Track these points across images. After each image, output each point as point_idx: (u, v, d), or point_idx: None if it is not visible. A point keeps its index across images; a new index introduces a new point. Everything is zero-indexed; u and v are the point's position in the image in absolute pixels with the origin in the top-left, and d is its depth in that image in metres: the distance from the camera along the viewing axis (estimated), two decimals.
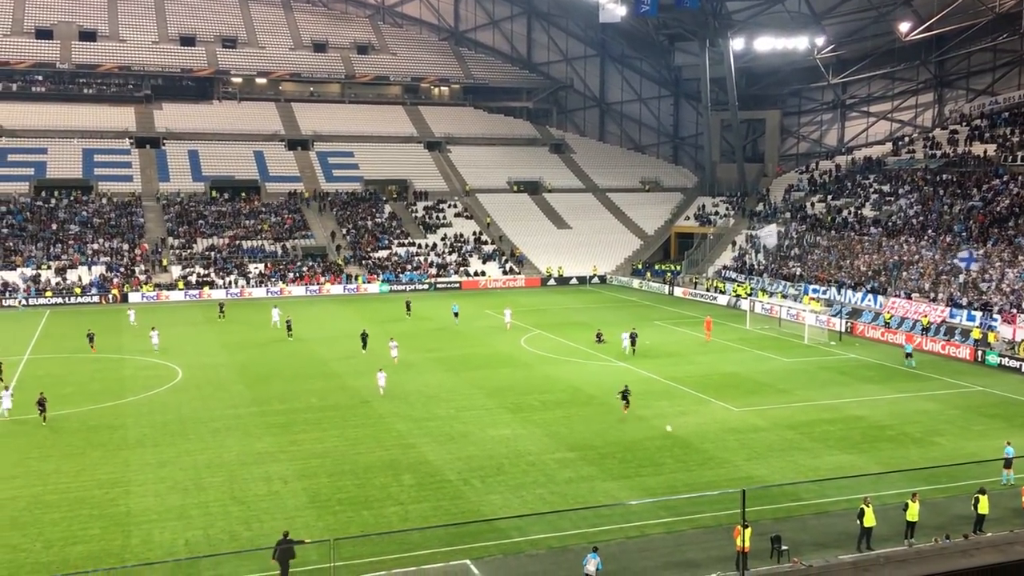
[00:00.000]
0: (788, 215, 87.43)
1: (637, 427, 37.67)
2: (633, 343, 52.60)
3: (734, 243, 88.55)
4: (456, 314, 64.21)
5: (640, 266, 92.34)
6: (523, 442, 35.46)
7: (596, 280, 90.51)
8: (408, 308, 67.73)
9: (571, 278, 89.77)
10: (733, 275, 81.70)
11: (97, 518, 27.76)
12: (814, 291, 70.12)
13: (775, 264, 79.12)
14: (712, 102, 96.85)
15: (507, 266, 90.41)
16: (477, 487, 30.48)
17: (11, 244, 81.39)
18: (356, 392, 43.34)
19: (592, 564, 22.56)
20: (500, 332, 60.18)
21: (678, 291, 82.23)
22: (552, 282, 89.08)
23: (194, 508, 28.54)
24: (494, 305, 72.33)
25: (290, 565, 22.77)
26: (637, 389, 44.19)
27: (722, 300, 76.40)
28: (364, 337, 53.31)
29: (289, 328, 58.47)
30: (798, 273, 75.17)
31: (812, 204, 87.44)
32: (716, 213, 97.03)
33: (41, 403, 37.60)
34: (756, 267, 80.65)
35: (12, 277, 76.63)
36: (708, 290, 79.93)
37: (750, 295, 73.51)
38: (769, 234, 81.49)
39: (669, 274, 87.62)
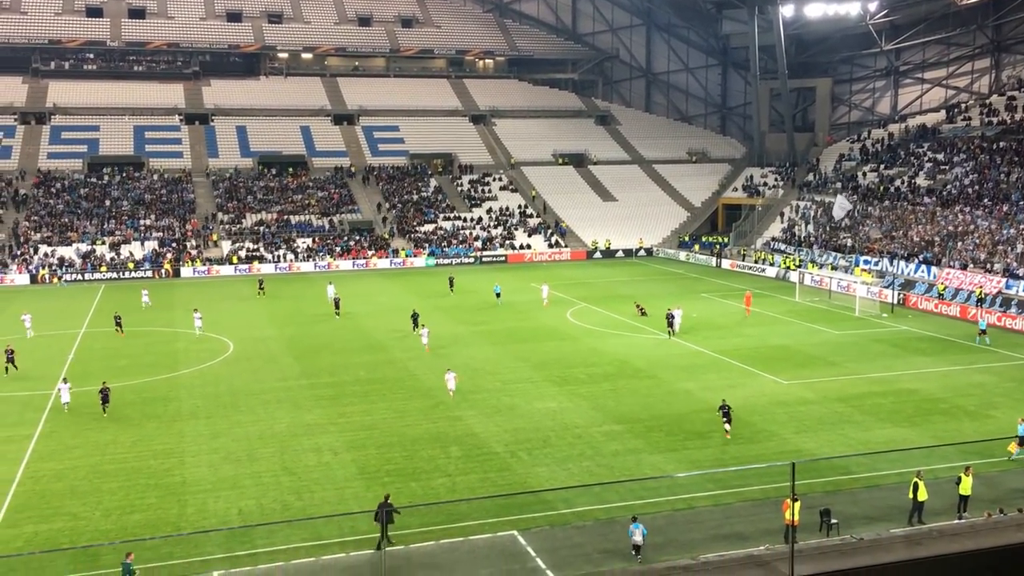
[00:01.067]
0: (839, 185, 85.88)
1: (684, 400, 37.51)
2: (670, 324, 50.06)
3: (783, 214, 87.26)
4: (498, 295, 61.65)
5: (687, 238, 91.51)
6: (569, 415, 35.52)
7: (642, 253, 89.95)
8: (451, 284, 67.44)
9: (617, 251, 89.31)
10: (782, 247, 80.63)
11: (153, 487, 28.44)
12: (865, 262, 68.95)
13: (825, 235, 77.87)
14: (761, 71, 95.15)
15: (552, 239, 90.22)
16: (524, 459, 30.64)
17: (67, 220, 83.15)
18: (403, 365, 43.70)
19: (638, 533, 22.60)
20: (547, 305, 60.13)
21: (726, 263, 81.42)
22: (598, 255, 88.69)
23: (247, 478, 29.10)
24: (539, 278, 72.26)
25: (388, 528, 23.36)
26: (684, 363, 44.04)
27: (771, 272, 75.50)
28: (415, 318, 51.51)
29: (337, 306, 57.66)
30: (849, 244, 73.92)
31: (864, 174, 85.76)
32: (764, 184, 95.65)
33: (104, 394, 35.99)
34: (806, 239, 79.47)
35: (68, 252, 78.35)
36: (756, 262, 79.01)
37: (799, 267, 72.51)
38: (842, 205, 79.61)
39: (718, 246, 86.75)
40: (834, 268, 70.39)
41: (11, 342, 43.22)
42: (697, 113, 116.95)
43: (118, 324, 52.36)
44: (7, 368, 42.19)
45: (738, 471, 28.62)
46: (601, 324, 54.04)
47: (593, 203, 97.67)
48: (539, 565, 23.00)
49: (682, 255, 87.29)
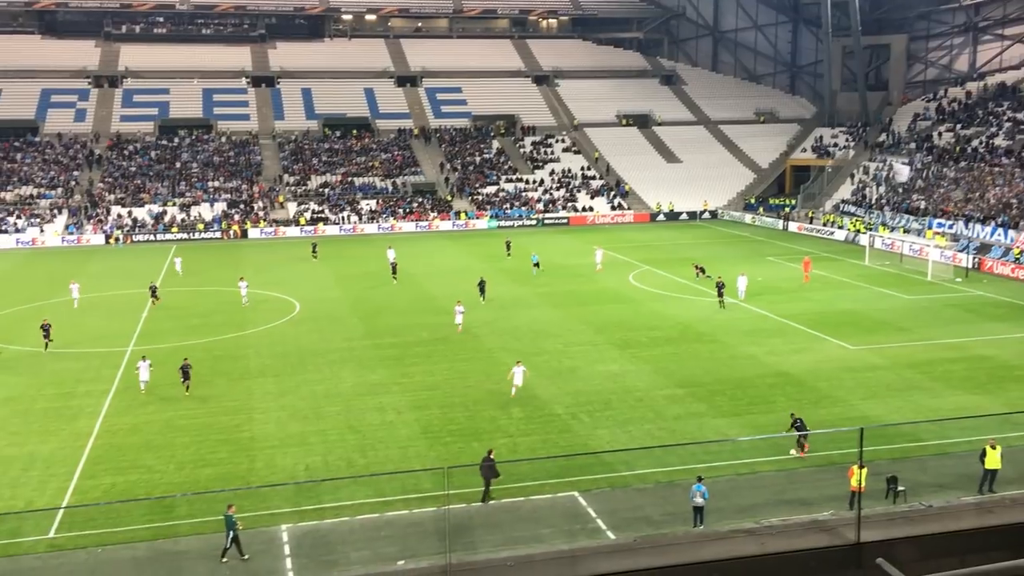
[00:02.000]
0: (913, 146, 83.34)
1: (748, 365, 37.09)
2: (720, 292, 47.63)
3: (853, 176, 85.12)
4: (536, 264, 58.30)
5: (753, 201, 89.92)
6: (631, 378, 35.42)
7: (706, 215, 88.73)
8: (508, 248, 66.24)
9: (681, 213, 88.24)
10: (852, 209, 78.75)
11: (224, 443, 29.23)
12: (939, 225, 66.99)
13: (897, 198, 75.80)
14: (833, 27, 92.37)
15: (615, 202, 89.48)
16: (585, 421, 30.69)
17: (139, 182, 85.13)
18: (466, 326, 43.92)
19: (699, 496, 22.53)
20: (608, 268, 59.79)
21: (793, 226, 79.88)
22: (661, 218, 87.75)
23: (313, 435, 29.70)
24: (601, 241, 71.84)
25: (491, 483, 24.05)
26: (749, 327, 43.51)
27: (840, 235, 73.88)
28: (482, 285, 49.86)
29: (394, 270, 56.96)
30: (922, 207, 71.86)
31: (939, 134, 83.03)
32: (835, 145, 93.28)
33: (185, 371, 34.05)
34: (877, 201, 77.47)
35: (141, 214, 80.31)
36: (825, 225, 77.35)
37: (870, 230, 70.80)
38: (899, 170, 77.51)
39: (787, 208, 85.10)
40: (906, 231, 68.57)
41: (47, 318, 41.73)
42: (766, 72, 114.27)
43: (153, 293, 49.97)
44: (46, 344, 39.88)
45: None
46: (663, 287, 53.59)
47: (657, 165, 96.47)
48: (600, 526, 23.11)
49: (747, 218, 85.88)
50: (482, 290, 49.57)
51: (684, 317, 45.59)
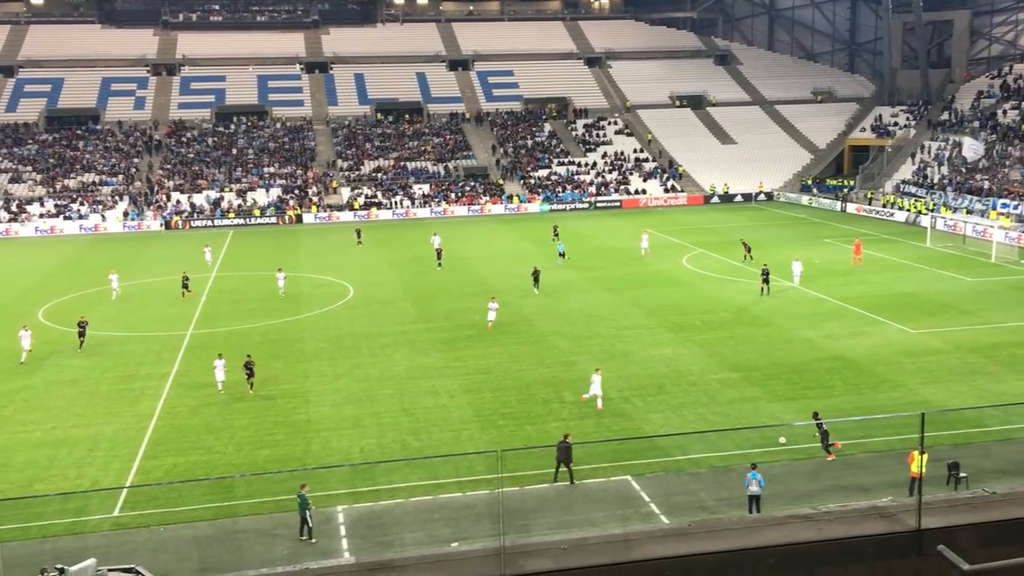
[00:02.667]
0: (977, 124, 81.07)
1: (804, 349, 36.55)
2: (766, 279, 45.95)
3: (914, 156, 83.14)
4: (562, 254, 55.96)
5: (810, 182, 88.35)
6: (685, 362, 35.15)
7: (762, 197, 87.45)
8: (556, 233, 64.57)
9: (735, 195, 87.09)
10: (913, 190, 76.96)
11: (281, 425, 29.71)
12: (1003, 206, 65.15)
13: (960, 178, 73.86)
14: (894, 4, 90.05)
15: (668, 184, 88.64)
16: (638, 405, 30.56)
17: (197, 169, 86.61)
18: (518, 310, 43.99)
19: (755, 484, 22.29)
20: (661, 251, 59.33)
21: (851, 207, 78.37)
22: (715, 200, 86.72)
23: (367, 418, 30.03)
24: (654, 224, 71.31)
25: (570, 466, 24.27)
26: (805, 310, 42.88)
27: (900, 217, 72.29)
28: (536, 275, 48.41)
29: (439, 257, 56.10)
30: (986, 187, 69.94)
31: (1004, 112, 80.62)
32: (895, 124, 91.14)
33: (248, 367, 32.82)
34: (939, 181, 75.60)
35: (199, 200, 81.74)
36: (884, 206, 75.74)
37: (931, 211, 69.17)
38: (971, 147, 75.32)
39: (846, 189, 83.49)
40: (969, 212, 66.86)
41: (84, 315, 40.67)
42: (823, 50, 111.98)
43: (185, 285, 48.49)
44: (80, 343, 38.71)
45: (861, 421, 27.80)
46: (718, 270, 53.01)
47: (711, 146, 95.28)
48: (653, 510, 23.02)
49: (804, 199, 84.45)
50: (536, 280, 48.30)
51: (739, 300, 45.06)
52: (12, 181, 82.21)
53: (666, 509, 22.94)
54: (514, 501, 23.29)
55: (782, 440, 26.81)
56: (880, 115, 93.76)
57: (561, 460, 24.31)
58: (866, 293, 45.96)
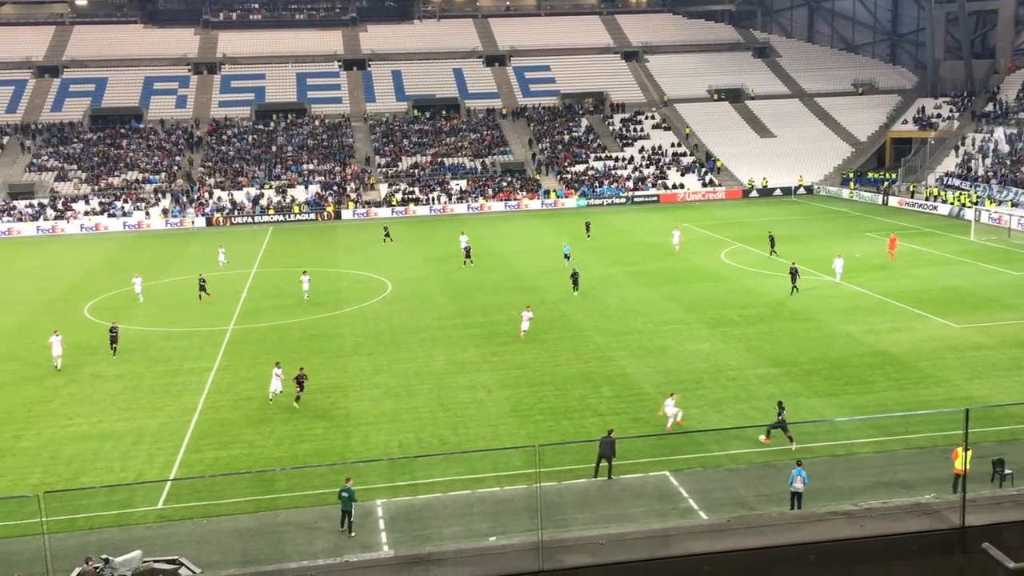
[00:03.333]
0: (1022, 115, 79.43)
1: (845, 344, 36.13)
2: (794, 279, 44.43)
3: (958, 148, 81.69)
4: (567, 256, 53.23)
5: (850, 175, 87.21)
6: (723, 357, 34.91)
7: (802, 191, 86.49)
8: (588, 229, 64.12)
9: (774, 189, 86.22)
10: (956, 182, 75.67)
11: (320, 419, 30.00)
12: None
13: (1005, 170, 72.46)
14: None
15: (706, 178, 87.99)
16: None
17: (237, 166, 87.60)
18: (555, 306, 43.97)
19: (799, 480, 22.08)
20: (699, 246, 58.94)
21: (893, 201, 77.24)
22: (754, 194, 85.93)
23: (406, 413, 30.23)
24: (692, 219, 70.86)
25: (611, 462, 24.24)
26: (845, 305, 42.38)
27: (943, 210, 71.13)
28: (575, 278, 46.62)
29: (468, 254, 55.07)
30: None
31: None
32: (938, 116, 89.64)
33: (300, 381, 31.11)
34: (983, 174, 74.23)
35: (239, 197, 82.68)
36: (927, 199, 74.56)
37: (975, 204, 67.94)
38: (1000, 139, 74.19)
39: (887, 182, 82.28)
40: (1014, 204, 65.57)
41: (116, 321, 39.38)
42: (864, 41, 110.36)
43: (202, 288, 47.35)
44: (113, 349, 37.60)
45: (903, 417, 27.46)
46: (756, 265, 52.55)
47: (749, 140, 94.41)
48: (692, 506, 22.93)
49: (845, 193, 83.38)
50: (575, 282, 46.39)
51: (778, 295, 44.65)
52: (58, 179, 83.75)
53: (705, 505, 22.83)
54: (552, 496, 23.31)
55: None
56: (923, 107, 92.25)
57: (603, 455, 24.26)
58: (909, 287, 45.31)
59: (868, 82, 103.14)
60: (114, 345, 37.57)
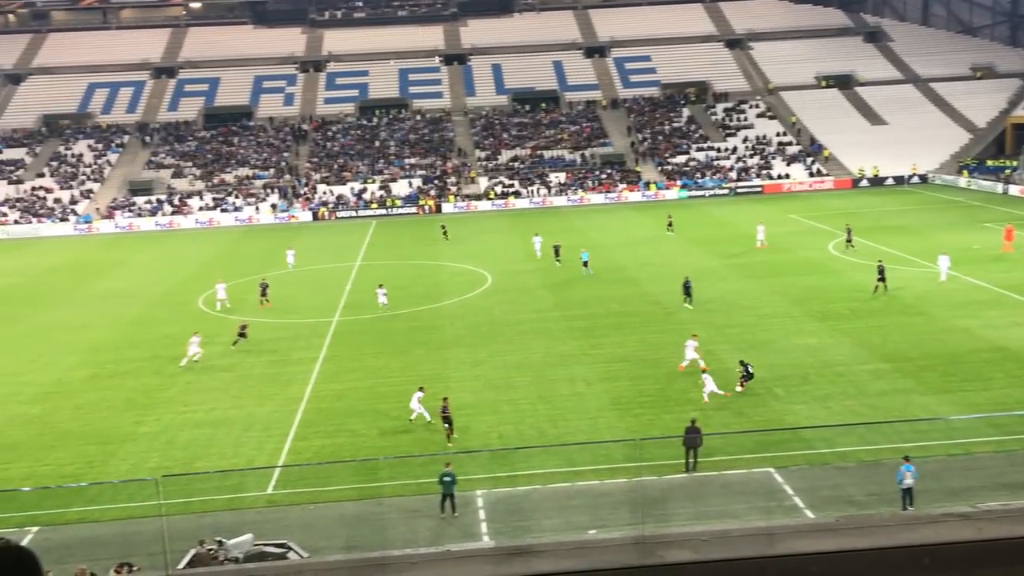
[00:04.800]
0: None
1: (961, 339, 34.63)
2: (881, 277, 41.77)
3: None
4: (585, 263, 49.89)
5: (968, 163, 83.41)
6: (831, 351, 33.92)
7: (915, 180, 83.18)
8: (669, 223, 61.86)
9: (886, 178, 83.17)
10: None
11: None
12: None
13: None
14: None
15: (813, 168, 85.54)
16: (780, 396, 29.72)
17: (341, 161, 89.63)
18: (656, 299, 43.48)
19: (909, 476, 21.30)
20: (805, 237, 57.37)
21: (1014, 189, 73.54)
22: (864, 183, 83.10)
23: (505, 404, 30.40)
24: (798, 210, 69.04)
25: (698, 453, 24.00)
26: (962, 299, 40.65)
27: None
28: (687, 287, 41.95)
29: (557, 254, 52.65)
30: None
31: None
32: None
33: (447, 418, 27.70)
34: None
35: (343, 191, 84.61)
36: None
37: None
38: None
39: (1008, 170, 78.40)
40: None
41: (245, 321, 40.09)
42: (983, 23, 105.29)
43: (264, 293, 46.19)
44: (236, 341, 38.23)
45: None
46: (867, 257, 50.77)
47: (859, 127, 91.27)
48: (797, 504, 22.38)
49: (962, 181, 79.82)
50: (687, 292, 41.71)
51: (889, 287, 43.06)
52: (174, 176, 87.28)
53: (811, 503, 22.24)
54: (652, 490, 23.10)
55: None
56: None
57: (688, 446, 23.82)
58: None
59: (987, 65, 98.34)
60: (239, 340, 37.99)
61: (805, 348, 34.54)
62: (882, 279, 42.02)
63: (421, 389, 29.42)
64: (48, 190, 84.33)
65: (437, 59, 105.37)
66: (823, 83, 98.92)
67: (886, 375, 31.06)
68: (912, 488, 21.25)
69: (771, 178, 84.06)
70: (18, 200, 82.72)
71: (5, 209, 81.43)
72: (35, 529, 22.77)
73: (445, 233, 64.66)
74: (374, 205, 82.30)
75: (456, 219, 77.08)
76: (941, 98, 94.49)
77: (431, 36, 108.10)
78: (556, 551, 7.13)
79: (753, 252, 53.96)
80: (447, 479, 22.24)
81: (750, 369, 29.71)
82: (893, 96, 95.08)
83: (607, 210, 77.04)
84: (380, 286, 44.71)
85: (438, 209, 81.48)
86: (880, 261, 43.67)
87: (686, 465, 24.11)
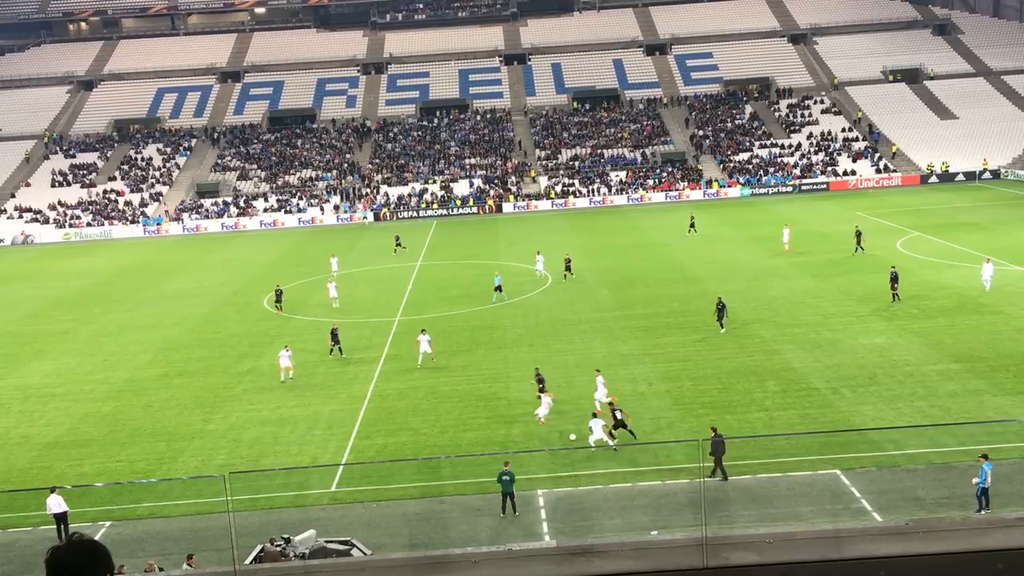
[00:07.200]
0: None
1: None
2: (894, 284, 39.90)
3: None
4: (498, 288, 45.43)
5: None
6: (899, 351, 33.15)
7: (987, 175, 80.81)
8: (692, 224, 60.18)
9: (956, 174, 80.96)
10: None
11: (483, 408, 30.57)
12: None
13: None
14: None
15: (880, 164, 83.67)
16: (847, 397, 29.14)
17: (403, 162, 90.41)
18: (717, 298, 42.89)
19: (989, 477, 20.61)
20: (872, 235, 56.04)
21: None
22: (933, 179, 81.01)
23: (566, 404, 30.31)
24: (865, 207, 67.61)
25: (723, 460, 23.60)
26: None
27: None
28: (721, 309, 37.46)
29: (568, 267, 49.52)
30: None
31: None
32: None
33: (620, 422, 26.56)
34: None
35: (404, 191, 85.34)
36: None
37: None
38: None
39: None
40: None
41: (335, 323, 39.20)
42: None
43: (279, 299, 45.60)
44: (331, 349, 37.47)
45: None
46: (937, 254, 49.57)
47: (928, 122, 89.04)
48: (864, 507, 21.92)
49: None
50: (720, 314, 37.52)
51: (961, 286, 41.95)
52: (240, 178, 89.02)
53: (879, 506, 21.78)
54: (715, 491, 22.85)
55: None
56: None
57: (713, 455, 23.28)
58: None
59: None
60: (336, 344, 37.10)
61: (872, 348, 33.82)
62: (894, 288, 39.91)
63: (544, 391, 29.37)
64: (119, 193, 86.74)
65: (497, 59, 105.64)
66: (890, 77, 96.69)
67: (957, 375, 30.26)
68: (987, 489, 20.66)
69: (836, 175, 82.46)
70: (91, 203, 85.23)
71: (78, 212, 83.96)
72: (107, 523, 23.44)
73: (399, 244, 61.77)
74: (435, 205, 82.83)
75: (516, 219, 77.20)
76: (1014, 91, 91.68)
77: (491, 36, 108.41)
78: (618, 551, 7.09)
79: (817, 250, 52.98)
80: (505, 478, 22.30)
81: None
82: (963, 90, 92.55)
83: (668, 209, 76.36)
84: (423, 332, 36.59)
85: (499, 209, 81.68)
86: (893, 268, 41.54)
87: (712, 471, 23.30)
